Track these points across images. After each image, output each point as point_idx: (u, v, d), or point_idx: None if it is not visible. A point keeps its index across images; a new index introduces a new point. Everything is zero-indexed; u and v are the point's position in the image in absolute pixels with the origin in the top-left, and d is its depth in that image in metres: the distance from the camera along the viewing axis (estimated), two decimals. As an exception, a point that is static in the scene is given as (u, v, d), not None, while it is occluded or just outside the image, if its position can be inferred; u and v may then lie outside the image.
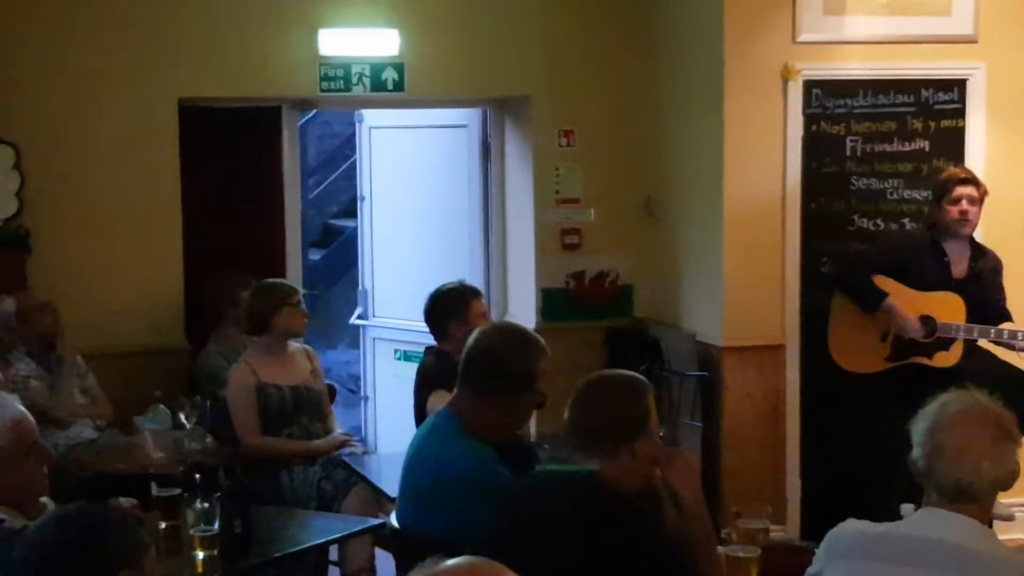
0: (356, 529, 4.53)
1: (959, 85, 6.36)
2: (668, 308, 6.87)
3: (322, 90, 6.70)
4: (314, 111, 9.88)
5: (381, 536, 4.67)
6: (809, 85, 6.29)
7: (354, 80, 6.71)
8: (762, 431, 6.36)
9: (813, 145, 6.34)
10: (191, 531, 3.93)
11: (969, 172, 5.85)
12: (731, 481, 6.26)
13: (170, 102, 6.50)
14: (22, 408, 3.22)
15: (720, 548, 3.34)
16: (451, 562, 1.96)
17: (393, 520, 3.87)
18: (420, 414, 5.14)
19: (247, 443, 5.55)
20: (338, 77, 6.69)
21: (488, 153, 7.37)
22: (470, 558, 1.98)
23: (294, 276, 6.80)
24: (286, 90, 6.74)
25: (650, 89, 6.93)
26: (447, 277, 5.67)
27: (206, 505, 3.93)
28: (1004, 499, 5.74)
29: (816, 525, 2.93)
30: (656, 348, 6.72)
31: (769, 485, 6.27)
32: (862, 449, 5.92)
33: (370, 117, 7.80)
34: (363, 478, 5.25)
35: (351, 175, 9.05)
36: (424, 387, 5.21)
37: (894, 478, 4.74)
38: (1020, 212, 6.39)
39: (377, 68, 6.73)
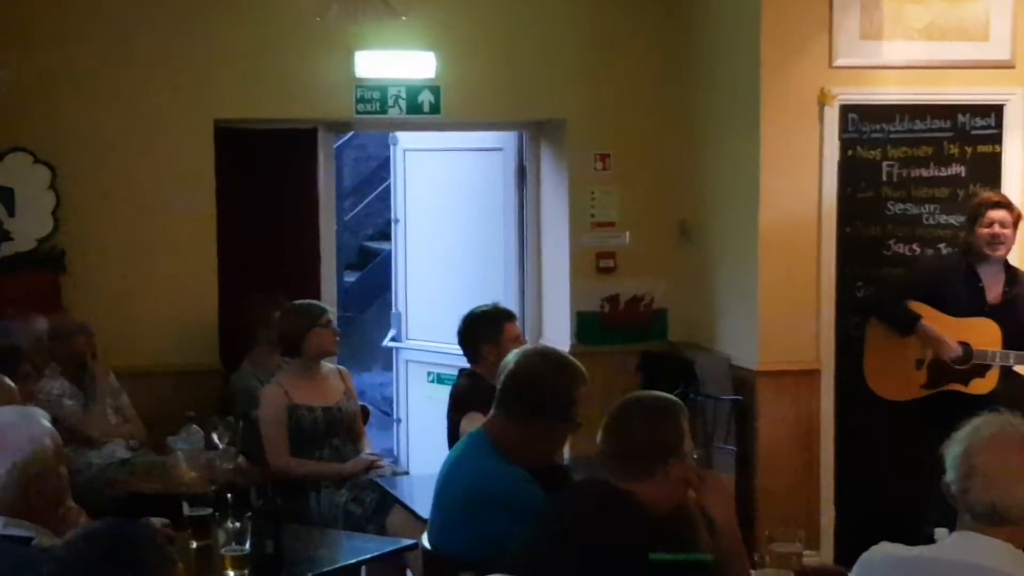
0: (388, 549, 4.52)
1: (996, 110, 6.33)
2: (703, 332, 6.85)
3: (358, 112, 6.73)
4: (350, 133, 9.93)
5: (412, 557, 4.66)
6: (845, 110, 6.27)
7: (390, 102, 6.74)
8: (796, 455, 6.33)
9: (849, 170, 6.32)
10: (222, 551, 3.93)
11: (1002, 196, 5.85)
12: (765, 505, 6.23)
13: (206, 123, 6.54)
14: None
15: (753, 572, 3.32)
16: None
17: (424, 541, 3.86)
18: (453, 436, 5.14)
19: (276, 464, 5.56)
20: (374, 99, 6.72)
21: (523, 176, 7.38)
22: (498, 576, 1.98)
23: (329, 298, 6.80)
24: (322, 112, 6.77)
25: (686, 113, 6.93)
26: (481, 300, 5.67)
27: (237, 525, 3.93)
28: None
29: (850, 549, 2.91)
30: (690, 372, 6.69)
31: (803, 509, 6.24)
32: (897, 474, 5.88)
33: (405, 140, 7.83)
34: (396, 499, 5.24)
35: (386, 198, 9.07)
36: (457, 409, 5.21)
37: (929, 503, 4.71)
38: (1058, 237, 6.35)
39: (413, 91, 6.76)
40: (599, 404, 3.42)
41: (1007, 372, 5.69)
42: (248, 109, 6.61)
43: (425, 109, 6.78)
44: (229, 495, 4.17)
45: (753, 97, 6.23)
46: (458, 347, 5.46)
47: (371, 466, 5.66)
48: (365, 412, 6.18)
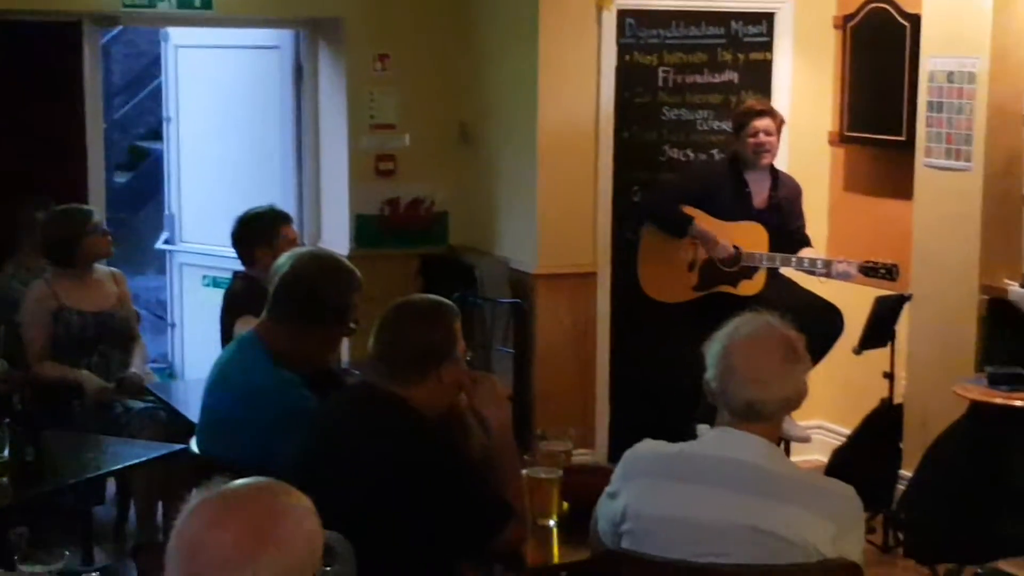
0: (154, 455, 4.42)
1: (767, 18, 6.48)
2: (483, 236, 6.87)
3: (125, 5, 6.44)
4: (118, 28, 9.56)
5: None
6: (623, 15, 6.32)
7: (160, -5, 6.48)
8: (573, 357, 6.44)
9: (626, 75, 6.38)
10: (-21, 458, 3.79)
11: (765, 104, 5.99)
12: (543, 406, 6.32)
13: (-39, 14, 6.19)
14: None
15: (524, 470, 3.36)
16: (237, 483, 1.91)
17: (193, 446, 3.79)
18: (226, 340, 5.03)
19: (34, 367, 5.35)
20: (142, -8, 6.45)
21: (301, 76, 7.22)
22: (257, 479, 1.94)
23: (97, 199, 6.57)
24: (86, 5, 6.46)
25: (466, 15, 6.86)
26: (258, 202, 5.54)
27: (-6, 432, 3.79)
28: (801, 422, 5.97)
29: (624, 447, 2.97)
30: (470, 275, 6.71)
31: (579, 409, 6.36)
32: (669, 374, 6.01)
33: (177, 36, 7.58)
34: (166, 404, 5.13)
35: (159, 96, 8.76)
36: (231, 313, 5.10)
37: (698, 401, 4.85)
38: (822, 142, 6.56)
39: (184, -16, 6.51)
40: (379, 308, 3.37)
41: (774, 273, 5.88)
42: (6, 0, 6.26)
43: (196, 4, 6.52)
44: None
45: (532, 0, 6.21)
46: (234, 250, 5.34)
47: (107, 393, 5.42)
48: (136, 317, 6.01)
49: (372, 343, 3.21)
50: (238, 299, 5.11)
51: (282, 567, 1.81)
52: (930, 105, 5.65)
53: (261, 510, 1.85)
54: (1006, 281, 5.41)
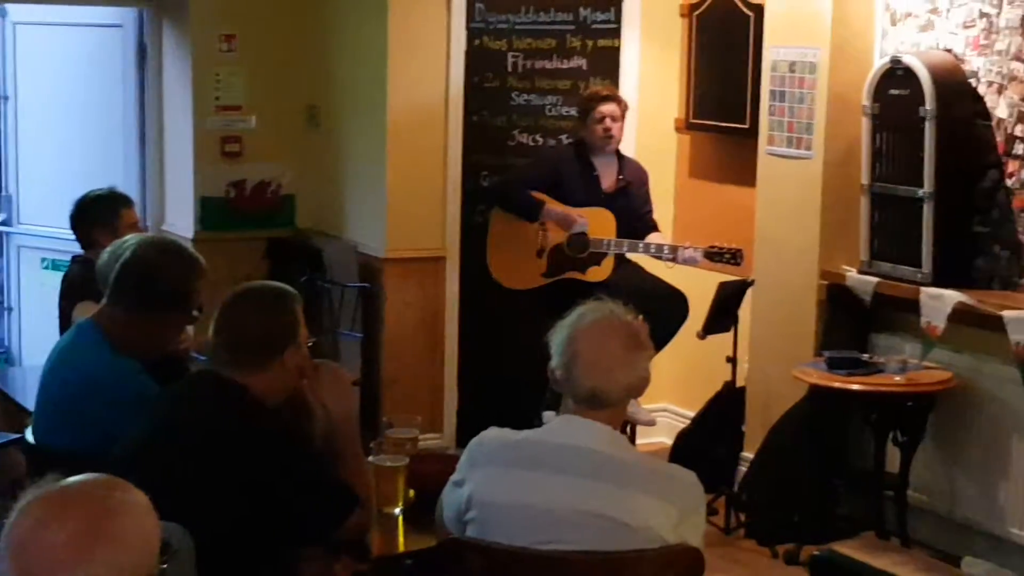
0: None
1: (615, 5, 6.54)
2: (331, 219, 6.81)
3: (-41, -21, 6.25)
4: (-46, 2, 9.26)
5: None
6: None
7: (-5, -30, 6.28)
8: (422, 342, 6.43)
9: (476, 59, 6.39)
10: None
11: (611, 89, 6.05)
12: (390, 391, 6.31)
13: None
14: None
15: (370, 458, 3.34)
16: (70, 480, 1.85)
17: (29, 435, 3.68)
18: (65, 325, 4.90)
19: None
20: (-23, -35, 6.24)
21: (144, 56, 7.07)
22: (91, 476, 1.88)
23: (-71, 179, 6.36)
24: (-83, -23, 6.24)
25: (314, -4, 6.80)
26: (99, 184, 5.42)
27: None
28: (647, 405, 6.05)
29: (472, 433, 2.97)
30: (318, 259, 6.65)
31: (427, 395, 6.37)
32: (518, 360, 6.03)
33: (15, 12, 7.39)
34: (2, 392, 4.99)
35: (-4, 73, 8.51)
36: (69, 297, 4.97)
37: (546, 388, 4.88)
38: (668, 129, 6.65)
39: (21, -42, 6.32)
40: (225, 292, 3.31)
41: (621, 259, 5.93)
42: None
43: (35, -21, 6.36)
44: None
45: (381, -19, 6.18)
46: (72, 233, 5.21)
47: None
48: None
49: (212, 330, 3.15)
50: (76, 283, 4.98)
51: (117, 566, 1.77)
52: (772, 94, 5.76)
53: (95, 508, 1.80)
54: (844, 267, 5.56)
